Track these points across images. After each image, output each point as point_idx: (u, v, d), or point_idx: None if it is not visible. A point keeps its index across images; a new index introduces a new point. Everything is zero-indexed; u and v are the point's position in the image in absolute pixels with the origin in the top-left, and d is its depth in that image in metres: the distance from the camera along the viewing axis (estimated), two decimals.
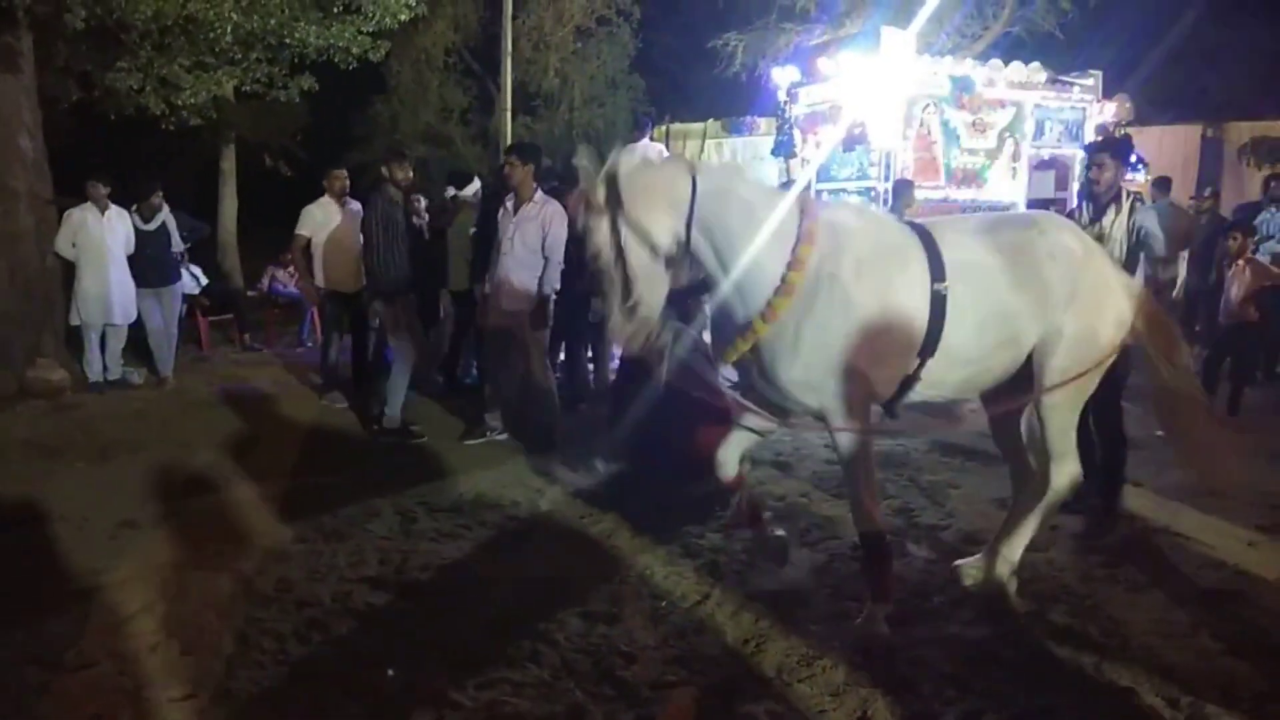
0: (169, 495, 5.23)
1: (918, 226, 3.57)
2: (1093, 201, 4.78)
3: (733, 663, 3.31)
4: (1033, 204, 9.13)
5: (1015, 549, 3.72)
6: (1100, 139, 4.79)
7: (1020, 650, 3.38)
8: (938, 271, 3.37)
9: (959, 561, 4.02)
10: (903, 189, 8.06)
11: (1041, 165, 9.50)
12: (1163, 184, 9.55)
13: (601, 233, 3.20)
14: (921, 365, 3.42)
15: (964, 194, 8.75)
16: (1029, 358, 3.58)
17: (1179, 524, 4.62)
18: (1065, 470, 3.67)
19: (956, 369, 3.49)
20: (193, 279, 10.08)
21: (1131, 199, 4.70)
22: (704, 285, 3.55)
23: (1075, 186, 9.48)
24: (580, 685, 3.15)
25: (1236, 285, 7.05)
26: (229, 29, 8.96)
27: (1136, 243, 4.58)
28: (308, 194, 10.72)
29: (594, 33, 20.59)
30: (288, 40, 9.66)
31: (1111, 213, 4.66)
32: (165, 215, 8.75)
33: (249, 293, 12.57)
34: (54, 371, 8.04)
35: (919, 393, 3.54)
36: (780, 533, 4.01)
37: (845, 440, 3.39)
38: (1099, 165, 4.73)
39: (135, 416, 7.32)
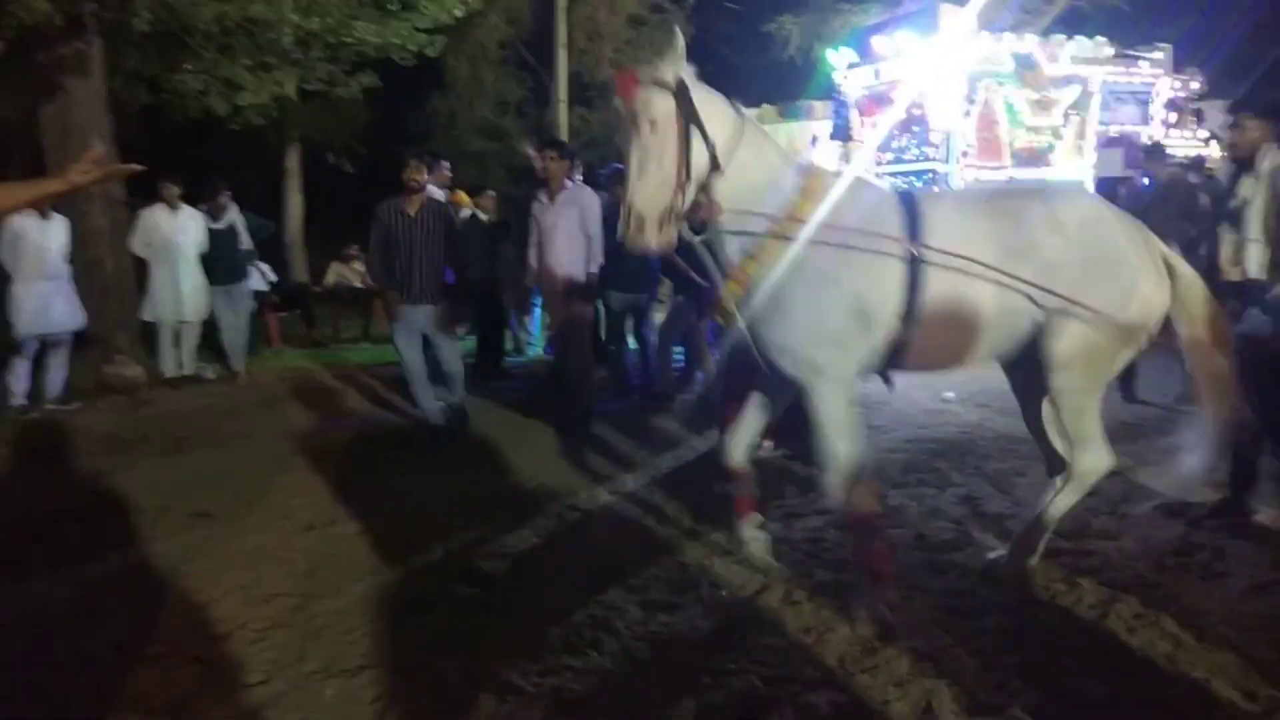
0: (241, 486, 5.39)
1: (903, 191, 3.54)
2: (1234, 167, 4.32)
3: (793, 652, 3.29)
4: (1101, 182, 8.89)
5: (1037, 538, 3.64)
6: (1243, 98, 4.35)
7: (1091, 640, 3.32)
8: (914, 233, 3.32)
9: (990, 555, 3.93)
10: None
11: (1109, 143, 9.23)
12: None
13: (664, 107, 3.18)
14: (908, 331, 3.35)
15: (1029, 173, 8.55)
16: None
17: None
18: (1088, 456, 3.51)
19: (943, 336, 3.39)
20: (261, 276, 10.34)
21: (1274, 164, 4.11)
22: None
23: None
24: (640, 672, 3.18)
25: None
26: (289, 29, 9.16)
27: None
28: (371, 190, 10.92)
29: (647, 20, 20.54)
30: (346, 39, 9.83)
31: (1249, 181, 4.15)
32: (234, 214, 8.99)
33: (315, 288, 12.87)
34: (130, 367, 8.33)
35: (911, 362, 3.48)
36: (762, 536, 4.01)
37: (825, 411, 3.34)
38: (1239, 127, 4.23)
39: (209, 411, 7.55)
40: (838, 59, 9.88)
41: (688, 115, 3.19)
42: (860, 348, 3.37)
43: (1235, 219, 4.17)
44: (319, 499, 5.16)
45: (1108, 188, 8.88)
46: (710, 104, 3.29)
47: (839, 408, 3.34)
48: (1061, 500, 3.58)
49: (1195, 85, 9.64)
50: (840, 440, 3.35)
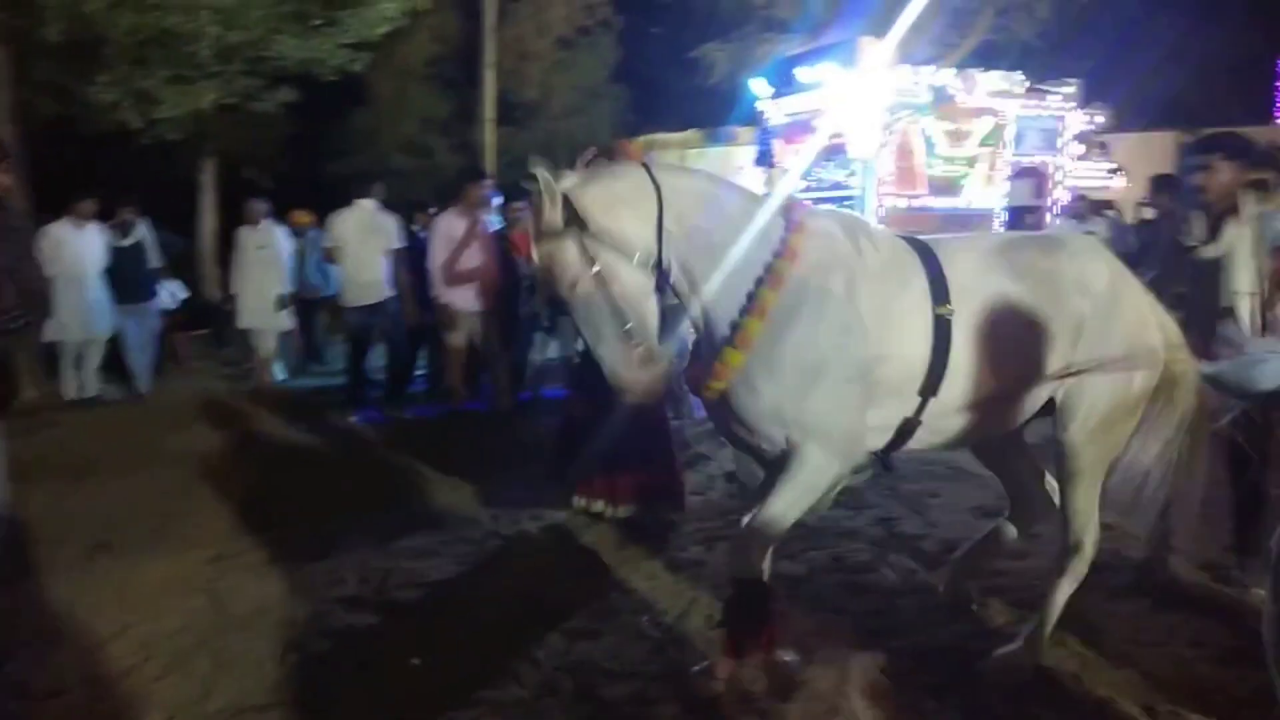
0: (145, 514, 5.17)
1: (916, 241, 3.08)
2: (1205, 214, 3.86)
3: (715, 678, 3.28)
4: (1012, 212, 9.18)
5: (1046, 628, 3.30)
6: (1208, 135, 3.94)
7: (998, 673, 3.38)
8: (940, 293, 2.91)
9: (999, 653, 3.34)
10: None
11: (1020, 173, 9.54)
12: (1169, 184, 9.08)
13: (571, 257, 2.71)
14: (923, 406, 2.94)
15: (942, 202, 8.78)
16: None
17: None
18: (1090, 541, 3.22)
19: (963, 412, 3.00)
20: (170, 294, 10.02)
21: (1259, 210, 3.81)
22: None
23: (1053, 194, 9.54)
24: (561, 704, 3.14)
25: None
26: (208, 42, 8.95)
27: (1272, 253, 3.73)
28: (288, 206, 10.69)
29: (575, 43, 20.67)
30: (267, 53, 9.65)
31: (1232, 228, 3.76)
32: (142, 230, 8.70)
33: (228, 306, 12.50)
34: (29, 389, 7.96)
35: (920, 440, 3.06)
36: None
37: (801, 479, 2.86)
38: (1208, 169, 3.78)
39: (112, 434, 7.26)
40: (760, 87, 10.04)
41: (598, 241, 2.71)
42: (873, 423, 2.94)
43: (1213, 271, 3.82)
44: (227, 527, 4.99)
45: (1017, 217, 9.19)
46: (617, 199, 2.78)
47: (822, 478, 2.89)
48: (1066, 587, 3.26)
49: (1101, 119, 10.04)
50: (794, 508, 2.92)
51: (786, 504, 2.90)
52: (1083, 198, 9.78)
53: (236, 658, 3.48)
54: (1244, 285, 3.77)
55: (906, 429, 2.99)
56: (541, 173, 2.73)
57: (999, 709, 3.04)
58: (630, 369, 2.75)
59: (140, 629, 3.72)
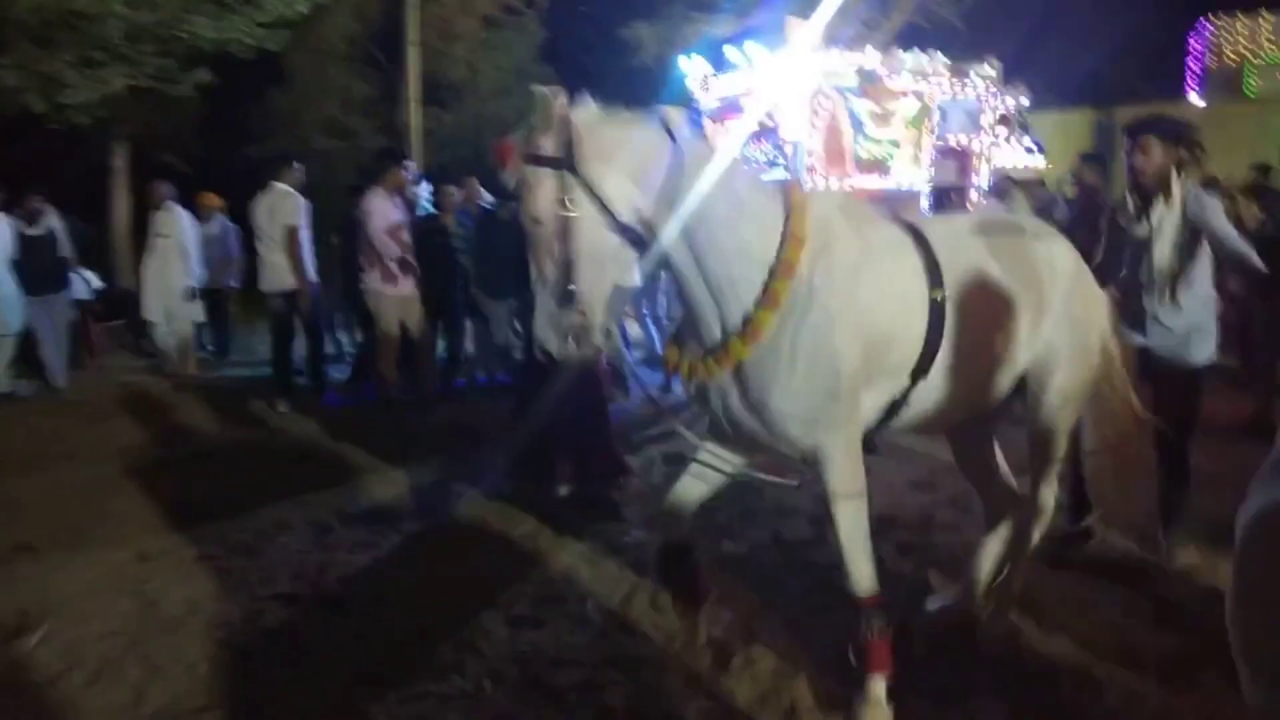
0: (67, 514, 4.98)
1: (906, 224, 3.05)
2: (1138, 193, 3.96)
3: (661, 661, 3.30)
4: (936, 192, 9.35)
5: (1018, 582, 3.41)
6: (1144, 118, 4.00)
7: (942, 630, 3.45)
8: (935, 276, 2.88)
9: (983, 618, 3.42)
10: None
11: (945, 153, 9.71)
12: (1096, 159, 9.30)
13: (546, 192, 2.46)
14: (912, 387, 2.91)
15: (869, 182, 8.90)
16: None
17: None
18: (1051, 493, 3.35)
19: (948, 391, 2.98)
20: (84, 284, 9.64)
21: (1185, 188, 3.92)
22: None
23: (977, 173, 9.74)
24: (507, 694, 3.11)
25: None
26: (116, 23, 8.58)
27: (1192, 240, 3.88)
28: (205, 190, 10.35)
29: (502, 22, 20.37)
30: (180, 34, 9.31)
31: (1160, 206, 3.89)
32: (51, 218, 8.35)
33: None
34: None
35: (903, 420, 3.01)
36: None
37: (841, 485, 2.74)
38: (1144, 149, 3.87)
39: (27, 431, 6.98)
40: (690, 66, 10.03)
41: (582, 187, 2.46)
42: (868, 400, 2.85)
43: (1143, 249, 3.96)
44: (153, 525, 4.82)
45: (941, 197, 9.37)
46: (620, 150, 2.52)
47: (857, 468, 2.77)
48: (1035, 536, 3.38)
49: (1023, 99, 10.27)
50: (860, 514, 2.77)
51: (853, 515, 2.76)
52: (1007, 177, 10.00)
53: (168, 661, 3.37)
54: (1165, 262, 3.92)
55: (893, 410, 2.94)
56: (545, 91, 2.49)
57: (938, 677, 3.10)
58: (556, 330, 2.50)
59: (66, 633, 3.57)
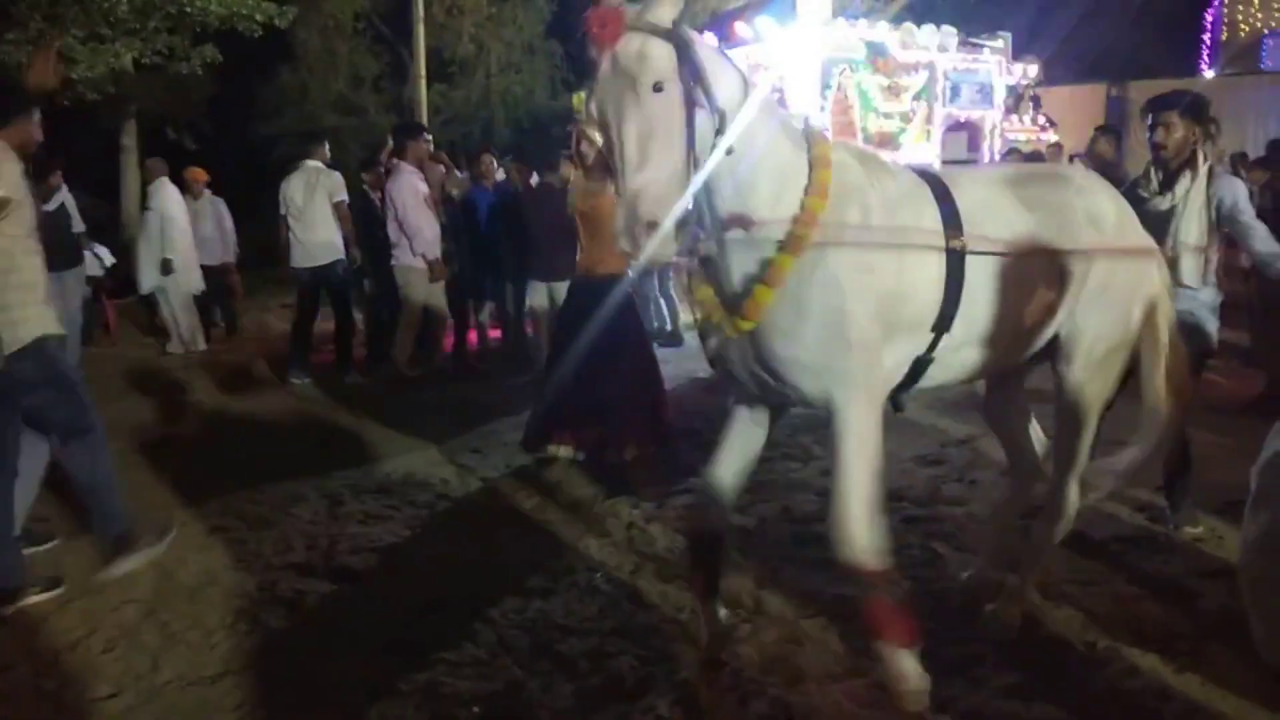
0: None
1: (927, 174, 2.95)
2: (1160, 168, 3.97)
3: (669, 631, 3.34)
4: (946, 165, 9.31)
5: (1030, 583, 3.33)
6: (1164, 94, 4.02)
7: (947, 602, 3.48)
8: (953, 225, 2.76)
9: (989, 609, 3.33)
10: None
11: (954, 127, 9.67)
12: (1112, 132, 9.10)
13: (666, 60, 2.29)
14: (935, 342, 2.80)
15: (882, 156, 8.88)
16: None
17: (1089, 474, 4.78)
18: (1074, 488, 3.21)
19: (974, 348, 2.88)
20: (97, 260, 9.68)
21: (1209, 164, 3.93)
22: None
23: (987, 147, 9.70)
24: (518, 662, 3.15)
25: None
26: None
27: (1218, 218, 3.88)
28: (213, 168, 10.36)
29: None
30: (187, 9, 9.30)
31: (1185, 181, 3.89)
32: (64, 195, 8.36)
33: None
34: None
35: (931, 377, 2.90)
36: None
37: (855, 435, 2.60)
38: (1166, 125, 3.88)
39: None
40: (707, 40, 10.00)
41: (694, 75, 2.34)
42: (890, 363, 2.76)
43: (1164, 222, 3.91)
44: (166, 499, 4.88)
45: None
46: (716, 60, 2.49)
47: (871, 427, 2.64)
48: (1051, 533, 3.28)
49: (1033, 72, 10.21)
50: (867, 474, 2.62)
51: (858, 475, 2.61)
52: (1014, 150, 9.96)
53: (185, 629, 3.43)
54: (1191, 237, 3.89)
55: (919, 367, 2.84)
56: None
57: (946, 652, 3.12)
58: (660, 211, 2.27)
59: (83, 602, 3.64)
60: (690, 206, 2.39)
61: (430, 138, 8.09)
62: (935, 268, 2.74)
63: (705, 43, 2.52)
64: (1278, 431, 0.96)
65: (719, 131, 2.40)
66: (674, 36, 2.32)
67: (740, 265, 2.59)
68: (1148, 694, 2.89)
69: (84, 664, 3.20)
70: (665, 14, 2.33)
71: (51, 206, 8.17)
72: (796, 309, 2.56)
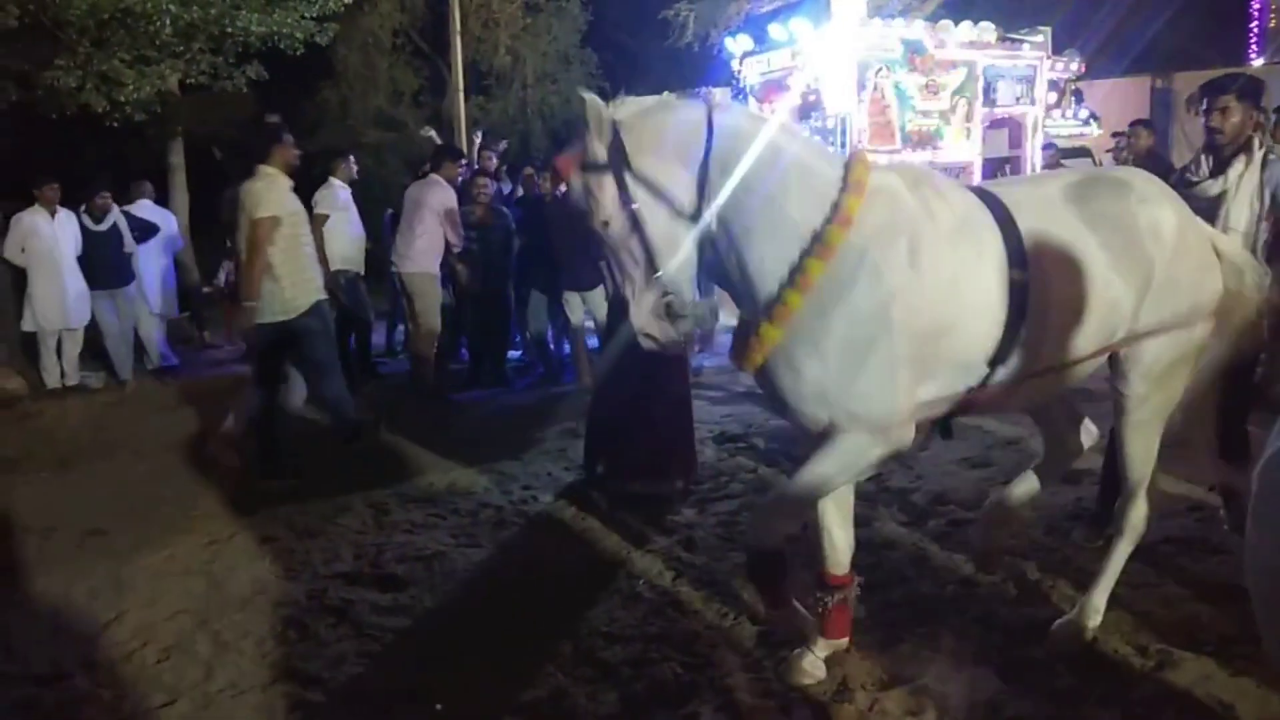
0: (135, 501, 5.16)
1: (987, 195, 2.84)
2: (1213, 154, 3.91)
3: (712, 637, 3.33)
4: (988, 164, 9.20)
5: (1101, 598, 3.20)
6: (1220, 78, 3.92)
7: (993, 607, 3.44)
8: (1017, 255, 2.67)
9: (1058, 624, 3.24)
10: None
11: (995, 124, 9.55)
12: (1146, 124, 8.95)
13: (608, 195, 2.50)
14: (990, 375, 2.74)
15: (920, 156, 8.79)
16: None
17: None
18: (1140, 507, 3.12)
19: (1032, 378, 2.81)
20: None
21: (1265, 150, 3.84)
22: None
23: (1030, 144, 9.55)
24: (561, 669, 3.16)
25: None
26: (168, 21, 8.80)
27: (1272, 204, 3.80)
28: None
29: (543, 8, 20.40)
30: (229, 29, 9.50)
31: (1240, 165, 3.81)
32: (115, 215, 8.59)
33: (205, 289, 12.37)
34: (10, 379, 7.91)
35: (982, 408, 2.89)
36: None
37: (842, 459, 2.64)
38: (1223, 110, 3.80)
39: (95, 422, 7.21)
40: (735, 45, 9.97)
41: (645, 184, 2.50)
42: (935, 396, 2.71)
43: (1213, 207, 3.83)
44: (217, 510, 4.98)
45: (993, 168, 9.22)
46: (665, 139, 2.54)
47: (862, 459, 2.67)
48: (1125, 547, 3.19)
49: (1075, 66, 10.04)
50: (826, 484, 2.74)
51: (819, 478, 2.70)
52: (1053, 146, 9.80)
53: (236, 638, 3.49)
54: (1240, 223, 3.80)
55: (971, 398, 2.79)
56: (590, 97, 2.51)
57: (992, 655, 3.09)
58: (654, 319, 2.54)
59: (138, 614, 3.72)
60: (693, 281, 2.59)
61: (464, 163, 8.28)
62: (995, 302, 2.67)
63: (657, 117, 2.58)
64: (1279, 432, 0.95)
65: (704, 200, 2.55)
66: (613, 166, 2.49)
67: (755, 300, 2.64)
68: (1200, 697, 2.83)
69: (140, 674, 3.28)
70: (598, 151, 2.50)
71: (103, 227, 8.41)
72: (812, 345, 2.57)
